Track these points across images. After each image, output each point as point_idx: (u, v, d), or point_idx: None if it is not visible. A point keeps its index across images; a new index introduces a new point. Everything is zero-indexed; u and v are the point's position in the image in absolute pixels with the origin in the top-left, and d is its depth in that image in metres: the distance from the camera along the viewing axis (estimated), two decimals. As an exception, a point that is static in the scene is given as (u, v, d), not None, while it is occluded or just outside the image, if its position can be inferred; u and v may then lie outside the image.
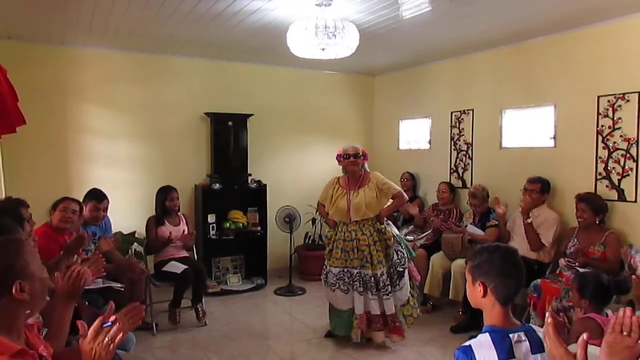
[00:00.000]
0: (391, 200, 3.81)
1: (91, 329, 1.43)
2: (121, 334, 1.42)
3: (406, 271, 3.74)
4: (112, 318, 1.45)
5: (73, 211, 3.40)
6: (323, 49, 3.44)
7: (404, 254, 3.73)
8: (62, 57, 4.73)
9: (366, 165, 3.87)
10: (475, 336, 1.63)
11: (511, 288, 1.62)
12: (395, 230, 3.86)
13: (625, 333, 1.23)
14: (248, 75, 5.62)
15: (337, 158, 3.88)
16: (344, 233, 3.72)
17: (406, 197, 3.93)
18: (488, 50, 4.78)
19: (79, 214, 3.48)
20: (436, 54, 5.16)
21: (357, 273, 3.64)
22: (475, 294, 1.67)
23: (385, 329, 3.71)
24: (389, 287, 3.63)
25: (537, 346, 1.58)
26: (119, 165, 5.02)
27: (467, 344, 1.59)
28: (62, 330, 1.79)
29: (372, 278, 3.62)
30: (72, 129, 4.80)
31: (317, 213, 4.76)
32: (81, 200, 3.70)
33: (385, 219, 3.80)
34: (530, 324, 1.68)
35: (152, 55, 5.08)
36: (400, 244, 3.76)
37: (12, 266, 1.36)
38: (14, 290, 1.33)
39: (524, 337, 1.59)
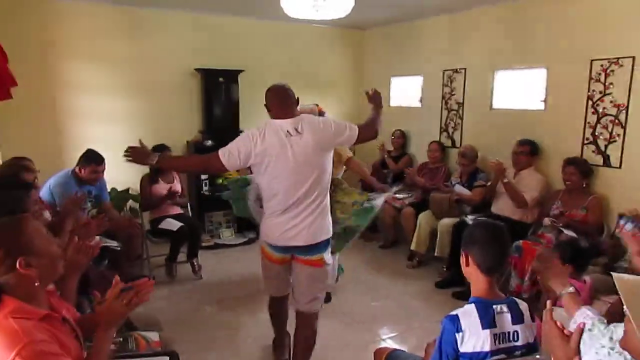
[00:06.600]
0: None
1: (111, 294, 1.57)
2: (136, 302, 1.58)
3: None
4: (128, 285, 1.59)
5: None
6: (317, 10, 3.38)
7: None
8: (47, 10, 4.55)
9: None
10: (461, 307, 1.75)
11: (490, 257, 1.74)
12: None
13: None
14: (238, 30, 5.47)
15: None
16: None
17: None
18: (483, 7, 4.69)
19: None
20: (430, 9, 5.02)
21: None
22: (462, 264, 1.82)
23: None
24: None
25: (517, 318, 1.72)
26: (110, 121, 4.95)
27: (454, 313, 1.71)
28: (70, 297, 1.88)
29: None
30: (61, 85, 4.70)
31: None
32: (76, 161, 3.72)
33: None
34: (512, 297, 1.81)
35: (142, 8, 4.91)
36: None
37: (14, 243, 1.40)
38: (18, 266, 1.37)
39: (506, 309, 1.71)
